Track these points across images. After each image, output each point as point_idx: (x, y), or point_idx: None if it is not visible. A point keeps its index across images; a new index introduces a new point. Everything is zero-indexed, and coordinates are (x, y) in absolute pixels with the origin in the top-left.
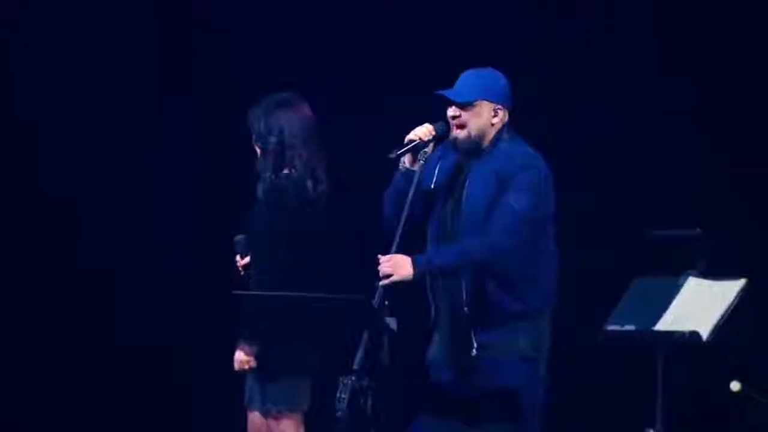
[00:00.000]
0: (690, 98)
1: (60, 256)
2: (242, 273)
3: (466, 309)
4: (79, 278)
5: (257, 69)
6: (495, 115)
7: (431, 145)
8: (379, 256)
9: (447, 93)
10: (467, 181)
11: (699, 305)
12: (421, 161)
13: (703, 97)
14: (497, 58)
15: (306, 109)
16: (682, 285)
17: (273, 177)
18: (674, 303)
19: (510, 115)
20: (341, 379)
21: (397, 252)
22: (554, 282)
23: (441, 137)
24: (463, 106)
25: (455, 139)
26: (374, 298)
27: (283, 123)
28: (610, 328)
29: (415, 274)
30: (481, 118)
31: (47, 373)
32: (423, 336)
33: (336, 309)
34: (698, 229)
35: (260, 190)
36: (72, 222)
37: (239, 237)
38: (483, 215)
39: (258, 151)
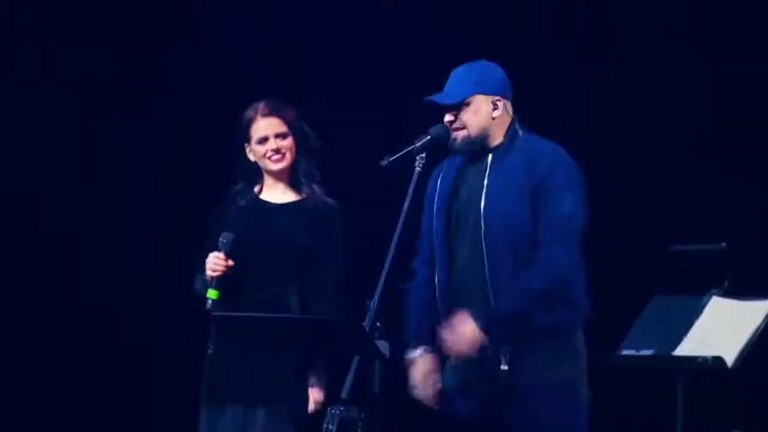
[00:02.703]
0: (717, 107)
1: (56, 257)
2: (218, 276)
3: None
4: (76, 280)
5: (254, 71)
6: (495, 108)
7: (426, 151)
8: (441, 329)
9: (437, 98)
10: (486, 181)
11: (723, 328)
12: (418, 168)
13: (731, 106)
14: (506, 60)
15: None
16: (705, 305)
17: (322, 194)
18: (696, 325)
19: (513, 107)
20: (329, 408)
21: (391, 266)
22: (586, 291)
23: (437, 140)
24: (458, 106)
25: (454, 141)
26: (364, 319)
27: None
28: (625, 352)
29: (481, 339)
30: (480, 115)
31: (37, 375)
32: None
33: (323, 331)
34: (723, 244)
35: (310, 202)
36: (68, 225)
37: (228, 234)
38: (514, 214)
39: (288, 157)
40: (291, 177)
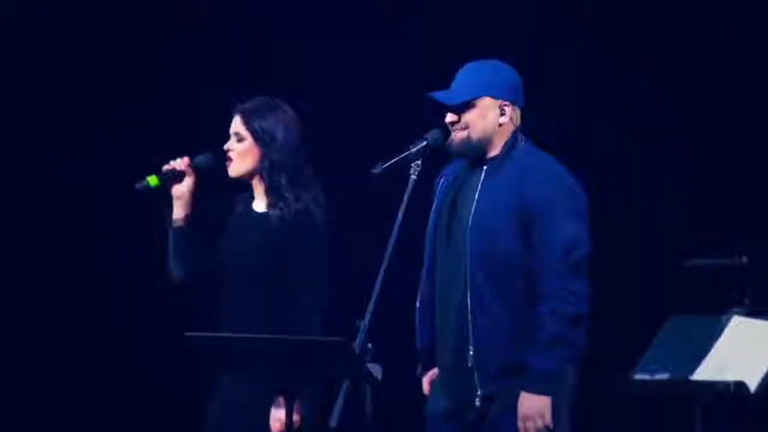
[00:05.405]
0: (731, 112)
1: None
2: (169, 169)
3: (471, 352)
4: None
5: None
6: (502, 114)
7: (421, 158)
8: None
9: (439, 95)
10: (477, 196)
11: (746, 350)
12: (413, 176)
13: (747, 111)
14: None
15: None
16: (725, 325)
17: (300, 200)
18: (716, 347)
19: (522, 117)
20: None
21: (384, 283)
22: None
23: (434, 146)
24: (461, 108)
25: (452, 141)
26: (355, 340)
27: (295, 133)
28: (639, 377)
29: (545, 402)
30: (486, 119)
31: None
32: (413, 386)
33: (310, 353)
34: (744, 258)
35: (279, 212)
36: (67, 225)
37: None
38: (498, 235)
39: (253, 161)
40: (264, 187)
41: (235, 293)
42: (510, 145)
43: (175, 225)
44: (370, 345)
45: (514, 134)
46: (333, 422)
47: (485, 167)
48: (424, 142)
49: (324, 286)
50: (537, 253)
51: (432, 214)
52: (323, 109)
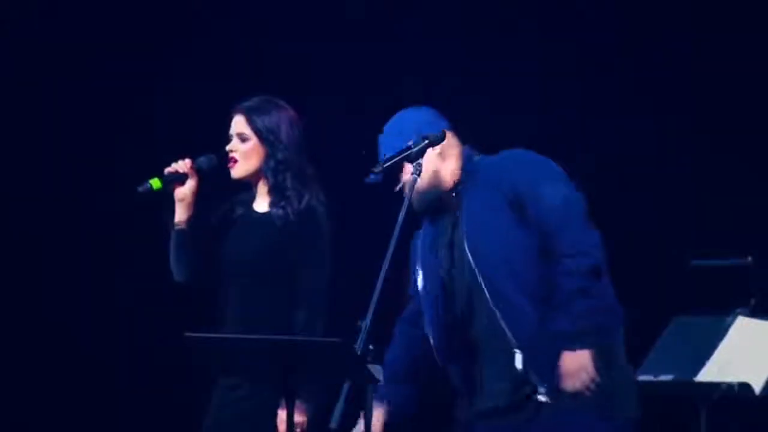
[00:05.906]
0: (735, 113)
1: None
2: (171, 171)
3: (518, 355)
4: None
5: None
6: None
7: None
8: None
9: (371, 180)
10: (464, 217)
11: (750, 351)
12: (415, 176)
13: (747, 111)
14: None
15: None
16: (729, 326)
17: (303, 199)
18: (720, 348)
19: (458, 132)
20: None
21: (385, 284)
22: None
23: (435, 145)
24: (397, 172)
25: (414, 203)
26: (356, 341)
27: (297, 132)
28: (643, 378)
29: (587, 357)
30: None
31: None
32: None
33: (311, 354)
34: (749, 258)
35: (282, 211)
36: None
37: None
38: (500, 231)
39: (260, 161)
40: (268, 187)
41: (237, 293)
42: (467, 164)
43: (177, 227)
44: (371, 346)
45: (466, 154)
46: (334, 423)
47: (455, 193)
48: (426, 141)
49: (325, 285)
50: (538, 227)
51: (412, 275)
52: (323, 110)
